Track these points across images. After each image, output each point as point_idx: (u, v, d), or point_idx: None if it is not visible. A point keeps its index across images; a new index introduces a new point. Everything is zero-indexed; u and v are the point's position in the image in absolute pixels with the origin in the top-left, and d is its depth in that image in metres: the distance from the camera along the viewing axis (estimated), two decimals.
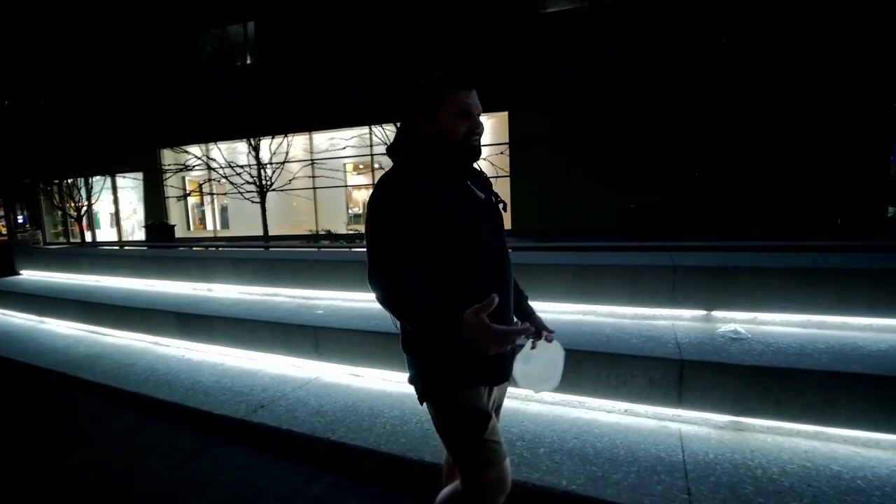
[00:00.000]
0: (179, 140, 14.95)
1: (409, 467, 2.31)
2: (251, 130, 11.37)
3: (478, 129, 1.36)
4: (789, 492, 1.92)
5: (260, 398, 3.09)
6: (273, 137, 11.69)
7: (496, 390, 1.49)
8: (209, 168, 11.66)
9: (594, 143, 12.08)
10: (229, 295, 4.75)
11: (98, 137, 17.21)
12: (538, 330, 1.56)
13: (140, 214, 18.77)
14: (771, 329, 2.82)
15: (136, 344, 4.41)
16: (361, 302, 4.04)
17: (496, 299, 1.15)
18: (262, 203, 10.97)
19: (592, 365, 2.57)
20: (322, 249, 7.89)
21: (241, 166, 11.03)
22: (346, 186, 15.78)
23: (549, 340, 1.53)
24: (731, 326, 2.80)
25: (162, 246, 9.15)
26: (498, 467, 1.34)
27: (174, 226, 12.07)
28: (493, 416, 1.39)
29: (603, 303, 3.27)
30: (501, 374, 1.45)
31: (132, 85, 16.71)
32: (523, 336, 1.27)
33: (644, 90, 11.37)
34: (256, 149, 11.05)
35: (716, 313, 3.03)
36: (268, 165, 11.23)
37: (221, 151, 11.90)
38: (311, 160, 14.73)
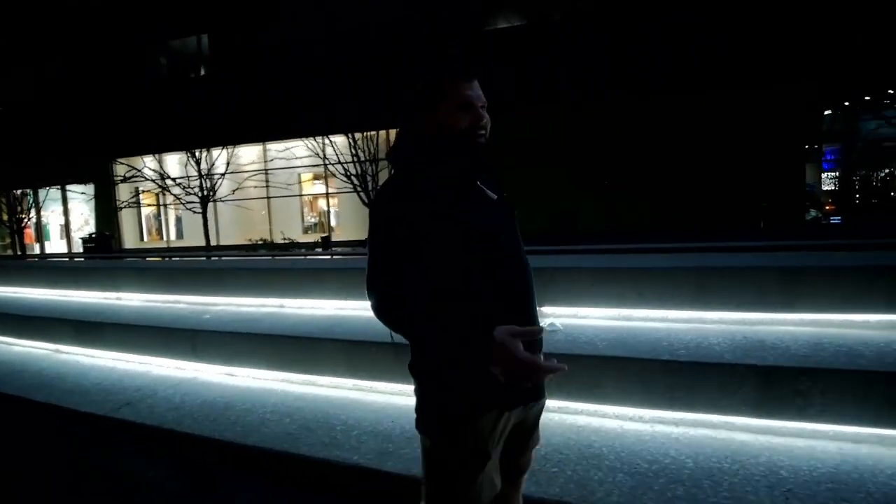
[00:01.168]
0: (131, 150, 14.92)
1: (237, 451, 2.58)
2: (221, 139, 11.41)
3: (481, 122, 1.25)
4: (541, 459, 2.25)
5: (131, 397, 3.32)
6: (208, 151, 11.76)
7: (514, 414, 1.23)
8: (148, 179, 11.73)
9: (529, 148, 12.58)
10: (134, 303, 4.94)
11: (50, 148, 17.02)
12: None
13: (92, 226, 18.58)
14: (585, 322, 3.18)
15: (36, 352, 4.57)
16: (251, 307, 4.30)
17: (541, 330, 1.13)
18: (204, 213, 11.12)
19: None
20: (277, 258, 8.10)
21: (177, 178, 11.13)
22: (300, 195, 15.95)
23: None
24: (549, 320, 3.15)
25: (101, 257, 9.22)
26: None
27: (111, 236, 12.03)
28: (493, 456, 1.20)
29: None
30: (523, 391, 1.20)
31: (86, 94, 16.62)
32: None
33: (565, 96, 11.95)
34: (197, 160, 11.21)
35: (545, 309, 3.38)
36: (209, 176, 11.39)
37: (160, 163, 12.00)
38: (264, 170, 14.85)
